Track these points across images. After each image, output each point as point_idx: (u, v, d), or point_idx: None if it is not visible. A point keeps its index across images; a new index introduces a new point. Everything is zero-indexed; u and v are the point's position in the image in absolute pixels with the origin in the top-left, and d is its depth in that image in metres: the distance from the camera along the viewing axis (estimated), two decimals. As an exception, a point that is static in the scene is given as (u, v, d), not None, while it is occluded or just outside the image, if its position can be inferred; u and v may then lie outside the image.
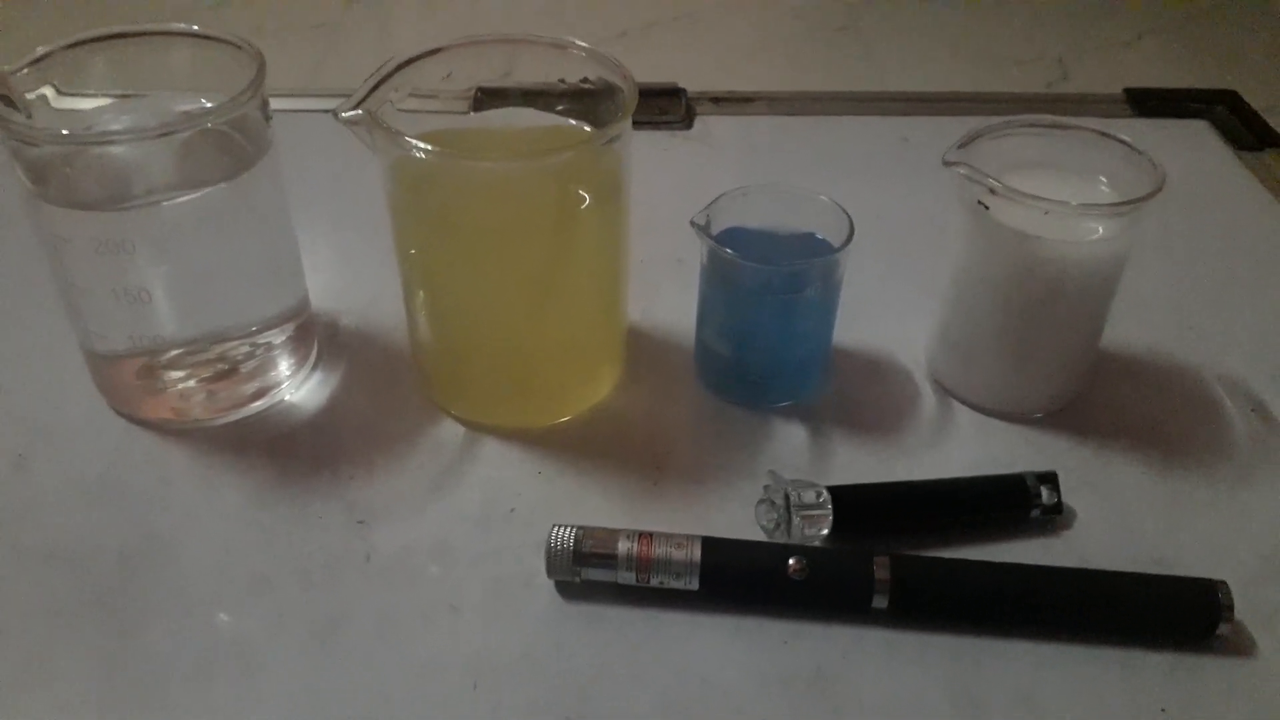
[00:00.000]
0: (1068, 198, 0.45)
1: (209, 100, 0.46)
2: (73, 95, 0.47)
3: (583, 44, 0.46)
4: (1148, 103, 0.79)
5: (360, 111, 0.42)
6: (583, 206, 0.44)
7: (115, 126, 0.47)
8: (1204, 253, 0.64)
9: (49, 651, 0.40)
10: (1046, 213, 0.44)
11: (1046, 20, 2.00)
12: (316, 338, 0.54)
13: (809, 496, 0.43)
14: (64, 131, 0.43)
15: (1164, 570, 0.43)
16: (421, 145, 0.40)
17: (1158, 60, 1.85)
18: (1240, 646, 0.40)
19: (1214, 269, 0.62)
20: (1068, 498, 0.46)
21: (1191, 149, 0.75)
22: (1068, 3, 2.06)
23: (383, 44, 1.88)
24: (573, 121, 0.47)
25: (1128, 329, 0.55)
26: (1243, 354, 0.55)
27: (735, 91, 0.78)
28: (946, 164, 0.47)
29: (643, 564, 0.41)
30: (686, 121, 0.74)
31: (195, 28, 0.46)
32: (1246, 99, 0.79)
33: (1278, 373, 0.54)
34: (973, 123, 0.76)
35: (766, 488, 0.44)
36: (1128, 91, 0.80)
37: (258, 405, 0.50)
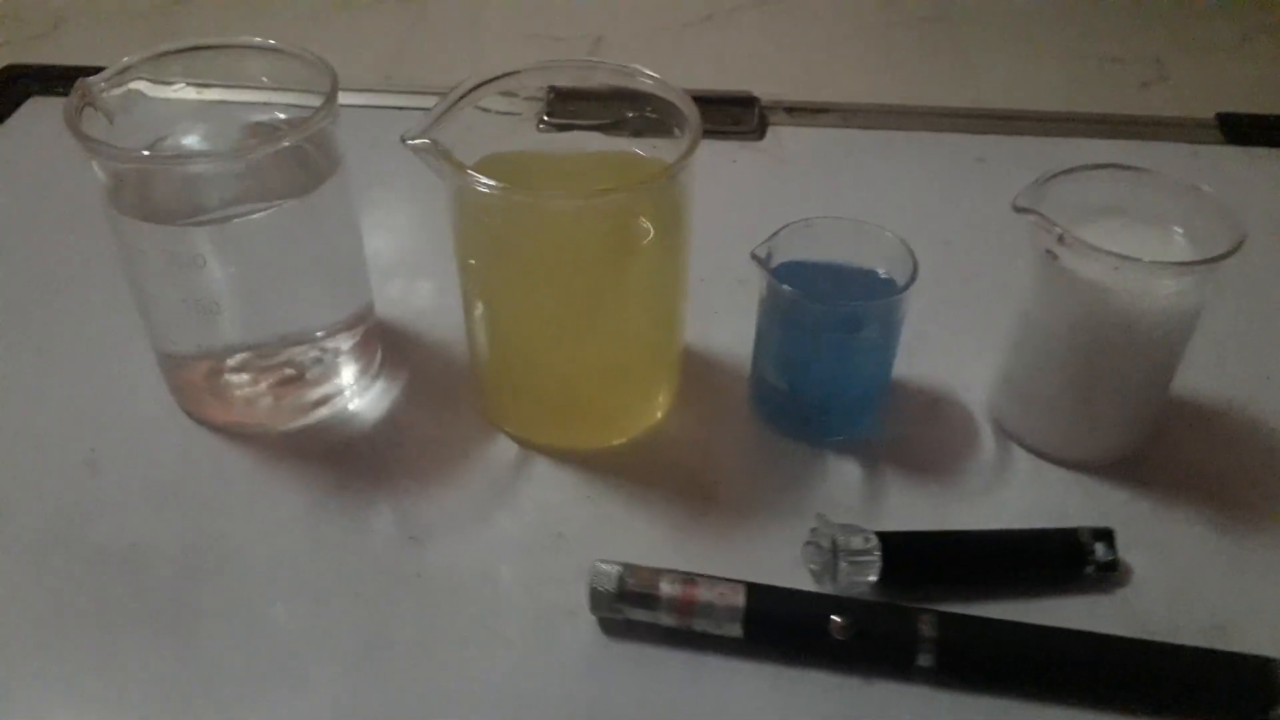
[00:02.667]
0: (1140, 249, 0.43)
1: (282, 108, 0.47)
2: (160, 83, 0.48)
3: (651, 74, 0.46)
4: (1240, 130, 0.76)
5: (427, 140, 0.42)
6: (645, 242, 0.44)
7: (191, 138, 0.49)
8: (1283, 295, 0.61)
9: (109, 650, 0.42)
10: (1116, 269, 0.43)
11: (1147, 14, 1.93)
12: (380, 346, 0.55)
13: (857, 542, 0.43)
14: (143, 152, 0.45)
15: (1222, 637, 0.42)
16: (485, 181, 0.41)
17: (1264, 62, 1.78)
18: (1294, 729, 0.39)
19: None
20: (1125, 554, 0.45)
21: (1281, 180, 0.72)
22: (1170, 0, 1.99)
23: (467, 23, 1.89)
24: (638, 151, 0.47)
25: (1201, 376, 0.53)
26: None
27: (809, 101, 0.77)
28: (1017, 209, 0.46)
29: (685, 608, 0.41)
30: (759, 132, 0.74)
31: (272, 42, 0.47)
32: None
33: (1358, 432, 0.52)
34: (1054, 144, 0.75)
35: (814, 530, 0.44)
36: (1220, 116, 0.77)
37: (321, 413, 0.51)
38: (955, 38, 1.84)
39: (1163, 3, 1.97)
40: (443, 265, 0.51)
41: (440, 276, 0.59)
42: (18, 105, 0.76)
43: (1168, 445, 0.51)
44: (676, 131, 0.46)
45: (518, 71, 0.47)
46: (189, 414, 0.51)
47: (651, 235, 0.44)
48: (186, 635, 0.43)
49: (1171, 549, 0.46)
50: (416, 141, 0.42)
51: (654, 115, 0.47)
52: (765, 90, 0.77)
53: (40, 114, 0.75)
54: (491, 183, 0.41)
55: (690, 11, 1.89)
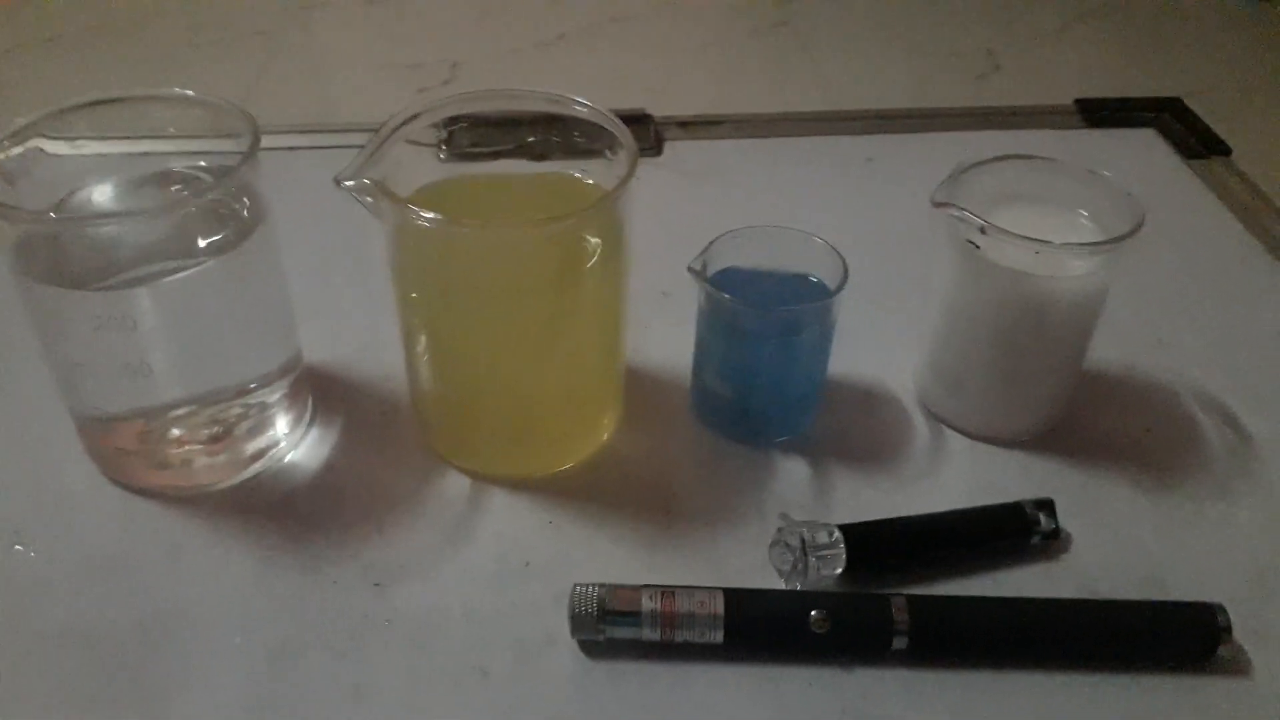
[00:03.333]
0: (1052, 234, 0.46)
1: (201, 153, 0.46)
2: (59, 139, 0.46)
3: (583, 101, 0.46)
4: (1097, 113, 0.81)
5: (364, 180, 0.41)
6: (588, 265, 0.45)
7: (104, 189, 0.47)
8: (1161, 263, 0.66)
9: (72, 739, 0.40)
10: (1038, 253, 0.46)
11: (976, 8, 2.04)
12: (310, 393, 0.53)
13: (822, 537, 0.44)
14: (50, 214, 0.42)
15: (1160, 589, 0.45)
16: (426, 215, 0.40)
17: (1087, 46, 1.90)
18: (1238, 666, 0.43)
19: (1173, 279, 0.65)
20: (1062, 521, 0.48)
21: (1141, 158, 0.78)
22: (996, -8, 2.10)
23: (318, 56, 1.86)
24: (576, 174, 0.48)
25: (1100, 347, 0.57)
26: (1210, 365, 0.58)
27: (701, 115, 0.79)
28: (935, 204, 0.48)
29: (667, 621, 0.41)
30: (656, 148, 0.75)
31: (188, 92, 0.46)
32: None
33: (1243, 382, 0.57)
34: (932, 140, 0.79)
35: (780, 529, 0.45)
36: (1078, 102, 0.82)
37: (257, 466, 0.50)
38: (801, 41, 1.90)
39: (990, -1, 2.08)
40: (366, 304, 0.50)
41: (364, 315, 0.59)
42: None
43: (1084, 416, 0.54)
44: (607, 154, 0.46)
45: (441, 104, 0.47)
46: (117, 482, 0.49)
47: (597, 258, 0.45)
48: (151, 711, 0.41)
49: (1102, 512, 0.49)
50: (352, 182, 0.42)
51: (581, 139, 0.47)
52: (627, 102, 0.78)
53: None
54: (437, 216, 0.40)
55: (543, 31, 1.90)
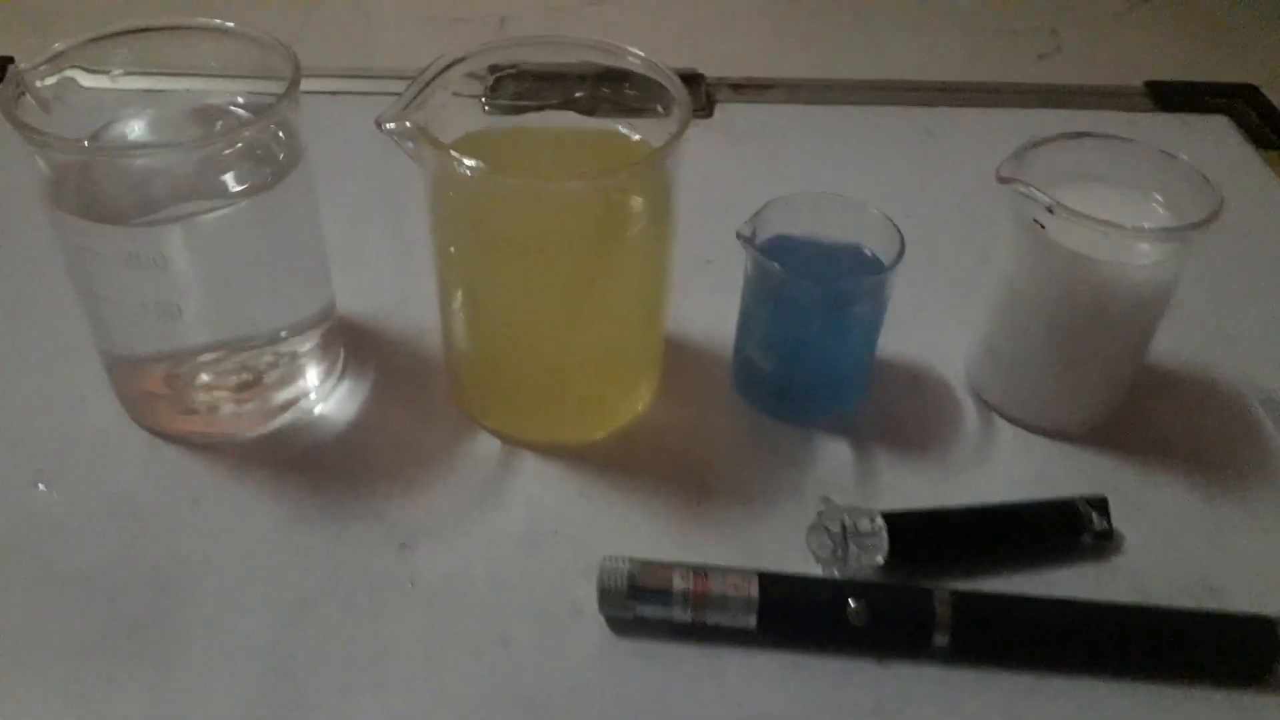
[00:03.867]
0: (1123, 217, 0.44)
1: (239, 92, 0.44)
2: (97, 73, 0.45)
3: (638, 52, 0.44)
4: (1169, 97, 0.78)
5: (406, 124, 0.40)
6: (633, 226, 0.43)
7: (137, 126, 0.45)
8: (1230, 256, 0.63)
9: (83, 681, 0.39)
10: (1107, 236, 0.43)
11: (1039, -14, 1.98)
12: (342, 344, 0.52)
13: (864, 524, 0.43)
14: (86, 143, 0.41)
15: (1217, 599, 0.43)
16: (468, 162, 0.39)
17: (1155, 28, 1.85)
18: (1297, 682, 0.40)
19: (1243, 273, 0.62)
20: (1115, 521, 0.46)
21: (1212, 146, 0.74)
22: (1061, -29, 2.05)
23: (363, 7, 1.84)
24: (621, 128, 0.46)
25: (1162, 340, 0.54)
26: (1278, 365, 0.55)
27: (754, 78, 0.76)
28: (1001, 180, 0.46)
29: (699, 601, 0.40)
30: (707, 110, 0.73)
31: (227, 24, 0.44)
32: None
33: (1313, 387, 0.54)
34: (996, 115, 0.76)
35: (820, 513, 0.44)
36: (1148, 85, 0.79)
37: (286, 417, 0.49)
38: (856, 9, 1.86)
39: (1055, -26, 2.03)
40: (404, 255, 0.48)
41: (402, 266, 0.57)
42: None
43: (1143, 410, 0.52)
44: (659, 109, 0.44)
45: (491, 47, 0.45)
46: (143, 426, 0.48)
47: (643, 218, 0.43)
48: (166, 660, 0.40)
49: (1156, 513, 0.47)
50: (393, 125, 0.40)
51: (633, 93, 0.45)
52: (676, 62, 0.76)
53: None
54: (478, 165, 0.38)
55: (593, -12, 1.87)
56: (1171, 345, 0.55)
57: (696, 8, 1.84)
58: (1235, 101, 0.79)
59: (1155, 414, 0.52)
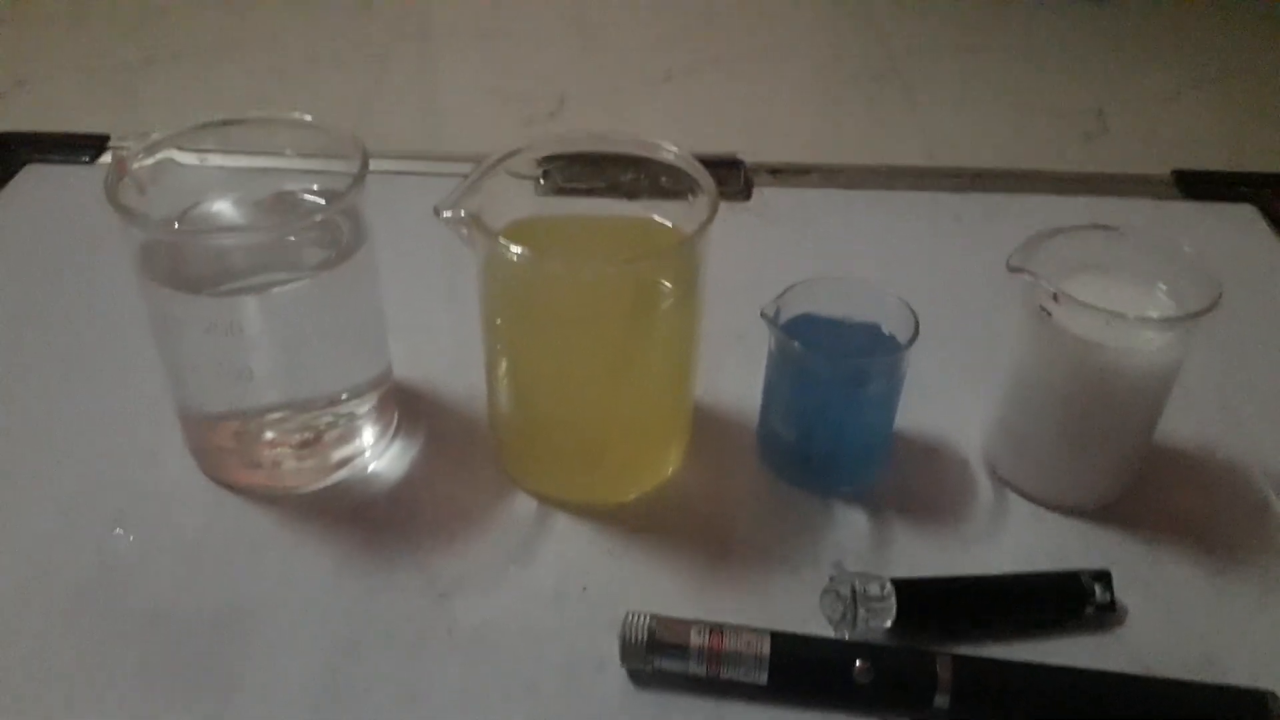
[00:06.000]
0: (1127, 305, 0.46)
1: (310, 176, 0.49)
2: (189, 151, 0.50)
3: (671, 147, 0.48)
4: (1195, 185, 0.81)
5: (461, 212, 0.44)
6: (662, 305, 0.47)
7: (222, 206, 0.50)
8: (1249, 342, 0.65)
9: (148, 710, 0.43)
10: (1108, 324, 0.46)
11: (1086, 69, 2.02)
12: (397, 407, 0.56)
13: (874, 589, 0.45)
14: (175, 224, 0.46)
15: (1214, 671, 0.45)
16: (515, 249, 0.43)
17: (1201, 111, 1.87)
18: (1289, 756, 0.42)
19: (1260, 360, 0.64)
20: (1119, 594, 0.48)
21: (1237, 234, 0.77)
22: (1109, 54, 2.08)
23: (428, 82, 1.92)
24: (656, 217, 0.50)
25: (1177, 423, 0.57)
26: (1291, 451, 0.57)
27: (792, 163, 0.80)
28: (1011, 269, 0.49)
29: (714, 656, 0.43)
30: (745, 193, 0.77)
31: (306, 117, 0.49)
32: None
33: (1324, 472, 0.56)
34: (1022, 201, 0.79)
35: (832, 578, 0.46)
36: (1176, 173, 0.82)
37: (342, 474, 0.53)
38: (904, 92, 1.91)
39: (1100, 56, 2.06)
40: (456, 323, 0.52)
41: (454, 334, 0.61)
42: (13, 173, 0.76)
43: (1152, 489, 0.54)
44: (689, 197, 0.48)
45: (537, 144, 0.49)
46: (212, 477, 0.52)
47: (672, 297, 0.47)
48: (222, 697, 0.43)
49: (1161, 588, 0.49)
50: (450, 214, 0.44)
51: (668, 182, 0.49)
52: (725, 144, 0.80)
53: (38, 180, 0.76)
54: (525, 251, 0.43)
55: (651, 70, 1.94)
56: (1186, 427, 0.57)
57: (748, 90, 1.90)
58: (1263, 191, 0.81)
59: (1167, 493, 0.54)
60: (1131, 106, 1.89)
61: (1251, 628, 0.48)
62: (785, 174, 0.80)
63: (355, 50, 1.96)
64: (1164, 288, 0.50)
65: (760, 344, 0.53)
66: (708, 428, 0.57)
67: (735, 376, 0.58)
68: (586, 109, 1.81)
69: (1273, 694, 0.42)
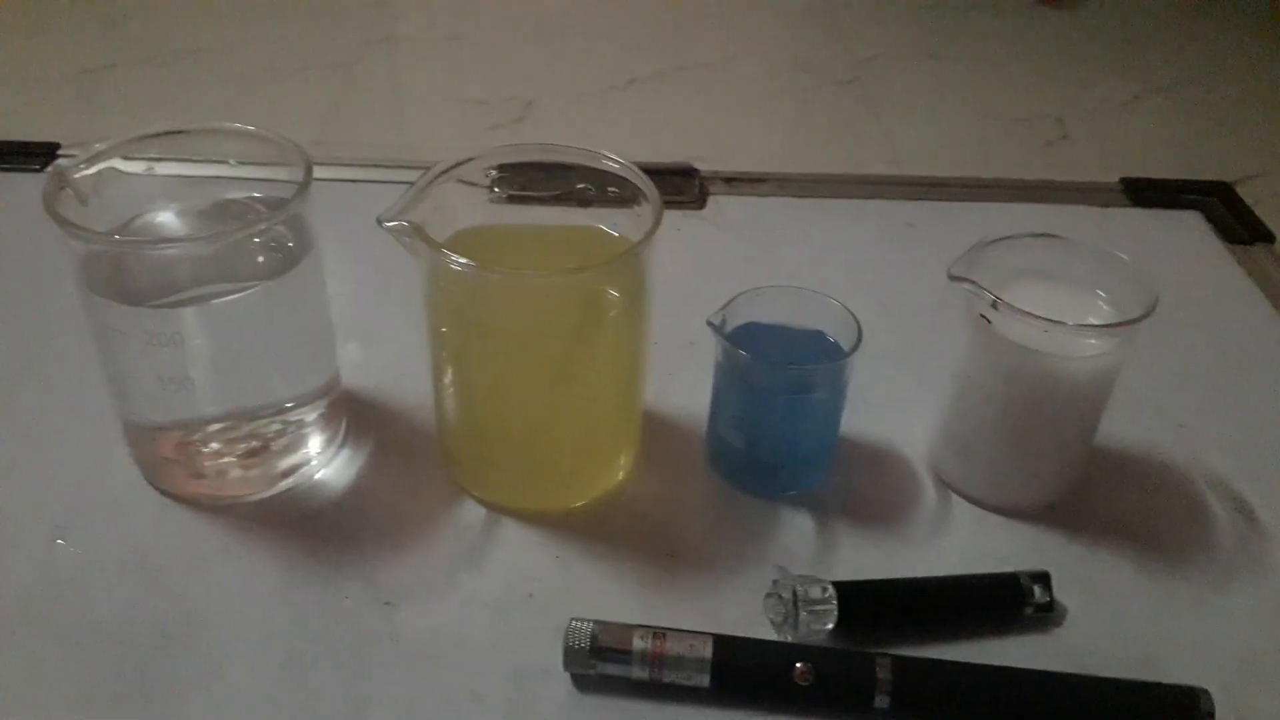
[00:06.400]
0: (1067, 313, 0.47)
1: (253, 185, 0.49)
2: (133, 159, 0.50)
3: (616, 158, 0.49)
4: (1143, 193, 0.82)
5: (404, 222, 0.44)
6: (607, 315, 0.47)
7: (165, 217, 0.50)
8: (1192, 347, 0.66)
9: (91, 725, 0.43)
10: (1046, 331, 0.47)
11: (1048, 77, 2.05)
12: (345, 415, 0.56)
13: (815, 592, 0.46)
14: (115, 236, 0.46)
15: (1152, 670, 0.46)
16: (460, 260, 0.43)
17: (1156, 118, 1.90)
18: (1221, 754, 0.43)
19: (1202, 364, 0.65)
20: (1059, 594, 0.48)
21: (1183, 241, 0.78)
22: (1069, 62, 2.11)
23: (394, 88, 1.92)
24: (604, 226, 0.50)
25: (1118, 426, 0.57)
26: (1229, 452, 0.58)
27: (746, 172, 0.81)
28: (952, 278, 0.49)
29: (656, 661, 0.43)
30: (700, 201, 0.77)
31: (250, 128, 0.49)
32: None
33: (1261, 472, 0.57)
34: (974, 209, 0.80)
35: (775, 581, 0.47)
36: (1124, 181, 0.83)
37: (288, 482, 0.53)
38: (868, 100, 1.92)
39: (1060, 64, 2.09)
40: (404, 331, 0.52)
41: (402, 342, 0.61)
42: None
43: (1093, 492, 0.55)
44: (636, 207, 0.49)
45: (485, 155, 0.50)
46: (157, 487, 0.52)
47: (618, 306, 0.47)
48: (168, 706, 0.43)
49: (1101, 589, 0.50)
50: (393, 224, 0.44)
51: (617, 191, 0.50)
52: (688, 151, 0.81)
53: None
54: (468, 262, 0.43)
55: (614, 76, 1.95)
56: (1129, 431, 0.58)
57: (711, 97, 1.91)
58: (1209, 198, 0.82)
59: (1109, 496, 0.55)
60: (1091, 114, 1.91)
61: (1189, 627, 0.48)
62: (740, 182, 0.80)
63: (321, 57, 1.96)
64: (1103, 295, 0.51)
65: (712, 350, 0.53)
66: (659, 434, 0.57)
67: (686, 383, 0.58)
68: (552, 115, 1.81)
69: (1205, 691, 0.43)
